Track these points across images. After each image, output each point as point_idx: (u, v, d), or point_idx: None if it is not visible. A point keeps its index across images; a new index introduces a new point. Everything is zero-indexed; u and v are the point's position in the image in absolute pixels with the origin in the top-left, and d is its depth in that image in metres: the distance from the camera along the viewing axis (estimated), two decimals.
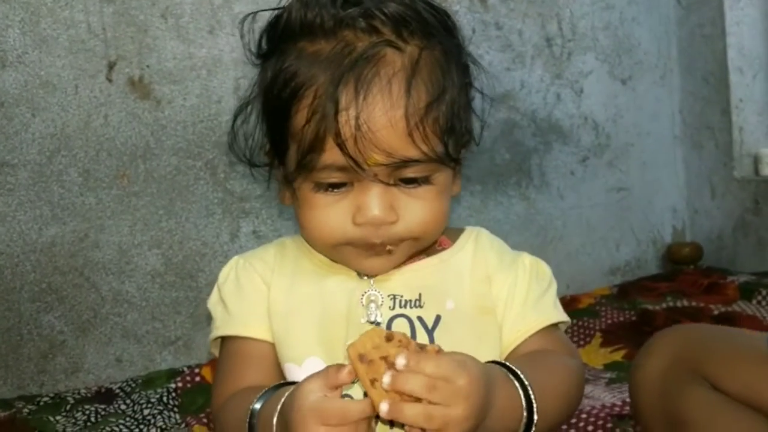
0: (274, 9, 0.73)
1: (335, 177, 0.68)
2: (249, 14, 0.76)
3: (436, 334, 0.72)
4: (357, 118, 0.64)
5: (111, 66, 1.35)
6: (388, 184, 0.68)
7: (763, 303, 1.46)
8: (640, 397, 0.85)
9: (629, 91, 1.91)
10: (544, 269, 0.80)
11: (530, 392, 0.64)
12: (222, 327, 0.78)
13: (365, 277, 0.74)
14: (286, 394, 0.61)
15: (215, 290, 0.80)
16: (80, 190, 1.33)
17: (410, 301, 0.73)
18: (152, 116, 1.37)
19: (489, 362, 0.67)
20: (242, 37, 0.75)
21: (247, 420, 0.65)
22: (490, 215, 1.71)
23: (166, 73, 1.38)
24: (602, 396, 1.15)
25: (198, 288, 1.41)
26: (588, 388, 1.20)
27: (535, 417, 0.64)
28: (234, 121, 0.78)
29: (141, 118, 1.37)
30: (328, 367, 0.60)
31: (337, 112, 0.64)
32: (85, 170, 1.33)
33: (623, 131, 1.90)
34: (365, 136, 0.64)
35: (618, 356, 1.36)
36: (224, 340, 0.79)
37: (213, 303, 0.80)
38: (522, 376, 0.64)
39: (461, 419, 0.57)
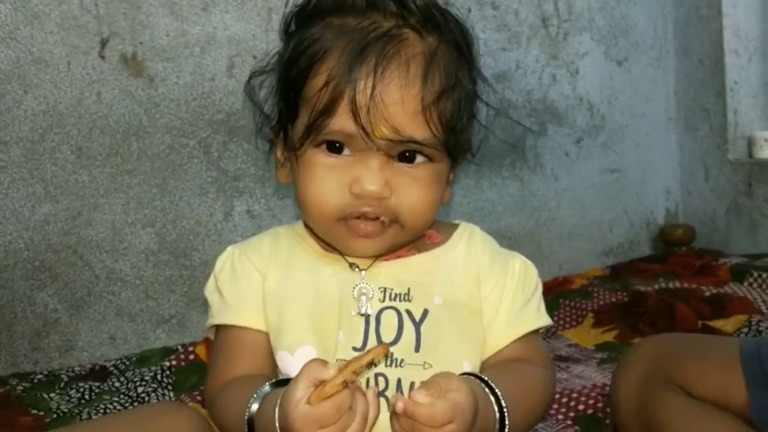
0: None
1: (341, 140, 0.70)
2: None
3: (422, 327, 0.74)
4: (373, 88, 0.67)
5: (104, 43, 1.33)
6: (389, 156, 0.69)
7: (755, 285, 1.47)
8: (619, 405, 0.88)
9: (625, 72, 1.90)
10: (532, 274, 0.82)
11: (504, 407, 0.67)
12: (218, 315, 0.80)
13: (357, 269, 0.76)
14: (279, 401, 0.62)
15: (212, 278, 0.82)
16: (73, 167, 1.32)
17: (399, 294, 0.75)
18: (145, 94, 1.37)
19: (467, 374, 0.70)
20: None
21: (246, 420, 0.66)
22: (484, 196, 1.71)
23: (160, 51, 1.37)
24: (593, 376, 1.16)
25: (192, 267, 1.42)
26: (579, 368, 1.21)
27: (506, 430, 0.67)
28: (249, 79, 0.80)
29: (134, 95, 1.36)
30: (308, 365, 0.61)
31: (355, 80, 0.67)
32: (78, 148, 1.32)
33: (618, 113, 1.90)
34: (377, 107, 0.67)
35: (609, 337, 1.37)
36: (219, 327, 0.81)
37: (210, 290, 0.82)
38: (498, 392, 0.67)
39: None
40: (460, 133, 0.74)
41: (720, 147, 1.86)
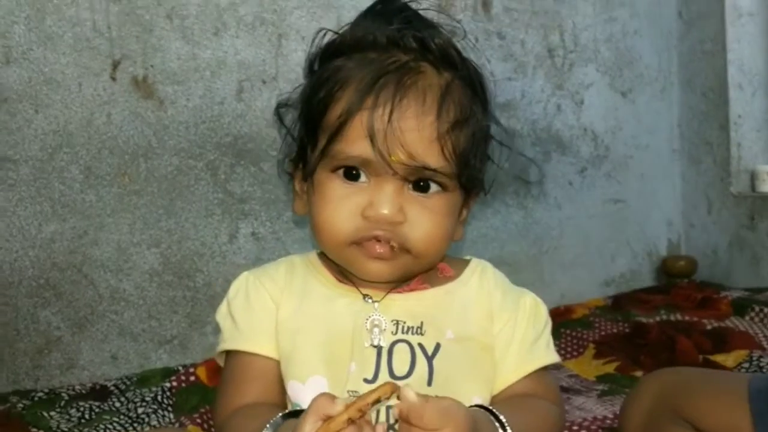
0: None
1: (357, 165, 0.72)
2: (319, 30, 0.80)
3: (435, 361, 0.75)
4: (390, 114, 0.69)
5: (115, 65, 1.35)
6: (406, 180, 0.71)
7: (756, 319, 1.47)
8: None
9: (629, 103, 1.92)
10: (542, 311, 0.83)
11: None
12: (229, 341, 0.80)
13: (370, 300, 0.77)
14: None
15: (225, 303, 0.83)
16: (81, 187, 1.33)
17: (412, 327, 0.76)
18: (155, 116, 1.38)
19: (475, 406, 0.70)
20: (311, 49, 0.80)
21: None
22: (488, 223, 1.72)
23: (170, 74, 1.39)
24: (594, 408, 1.16)
25: (195, 288, 1.42)
26: (580, 400, 1.21)
27: None
28: (277, 109, 0.84)
29: (144, 117, 1.37)
30: (317, 400, 0.61)
31: (374, 107, 0.69)
32: (87, 168, 1.33)
33: (622, 143, 1.91)
34: (394, 132, 0.69)
35: (611, 368, 1.36)
36: (230, 353, 0.81)
37: (222, 316, 0.82)
38: (505, 422, 0.67)
39: None
40: (473, 168, 0.75)
41: (723, 180, 1.87)
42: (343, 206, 0.72)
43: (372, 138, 0.69)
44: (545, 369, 0.82)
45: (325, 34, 0.79)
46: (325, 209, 0.73)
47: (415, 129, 0.69)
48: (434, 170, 0.71)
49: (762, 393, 0.79)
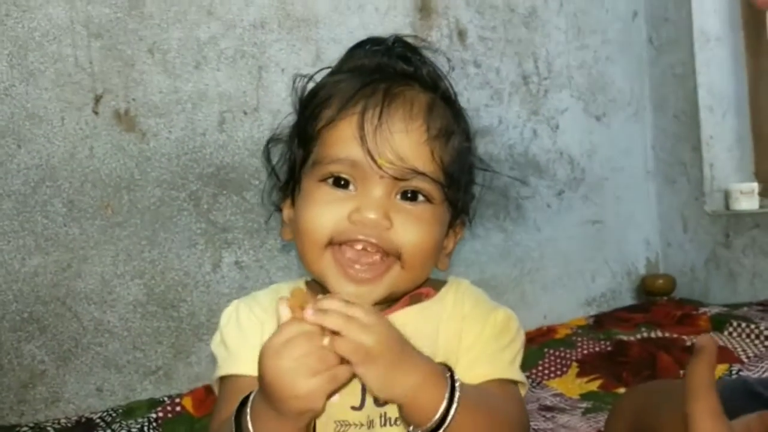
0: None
1: (346, 173, 0.72)
2: (302, 75, 0.82)
3: None
4: (380, 116, 0.71)
5: (97, 99, 1.37)
6: (395, 183, 0.72)
7: (734, 334, 1.50)
8: None
9: (603, 127, 1.96)
10: (513, 327, 0.80)
11: (456, 386, 0.65)
12: (223, 367, 0.80)
13: None
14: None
15: (218, 332, 0.83)
16: (64, 220, 1.34)
17: None
18: (137, 148, 1.40)
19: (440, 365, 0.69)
20: (294, 90, 0.82)
21: (233, 423, 0.67)
22: (468, 246, 1.74)
23: (152, 107, 1.41)
24: (578, 426, 1.18)
25: (179, 318, 1.42)
26: (564, 418, 1.22)
27: (453, 408, 0.64)
28: (268, 143, 0.84)
29: (126, 150, 1.39)
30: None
31: (363, 110, 0.71)
32: (70, 201, 1.34)
33: (598, 166, 1.95)
34: (383, 134, 0.71)
35: (594, 386, 1.38)
36: (223, 379, 0.81)
37: (215, 344, 0.83)
38: (457, 379, 0.66)
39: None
40: (459, 185, 0.77)
41: (697, 199, 1.91)
42: (330, 208, 0.72)
43: (362, 139, 0.70)
44: (513, 384, 0.78)
45: (308, 80, 0.81)
46: (310, 210, 0.73)
47: (404, 131, 0.71)
48: (422, 174, 0.72)
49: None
